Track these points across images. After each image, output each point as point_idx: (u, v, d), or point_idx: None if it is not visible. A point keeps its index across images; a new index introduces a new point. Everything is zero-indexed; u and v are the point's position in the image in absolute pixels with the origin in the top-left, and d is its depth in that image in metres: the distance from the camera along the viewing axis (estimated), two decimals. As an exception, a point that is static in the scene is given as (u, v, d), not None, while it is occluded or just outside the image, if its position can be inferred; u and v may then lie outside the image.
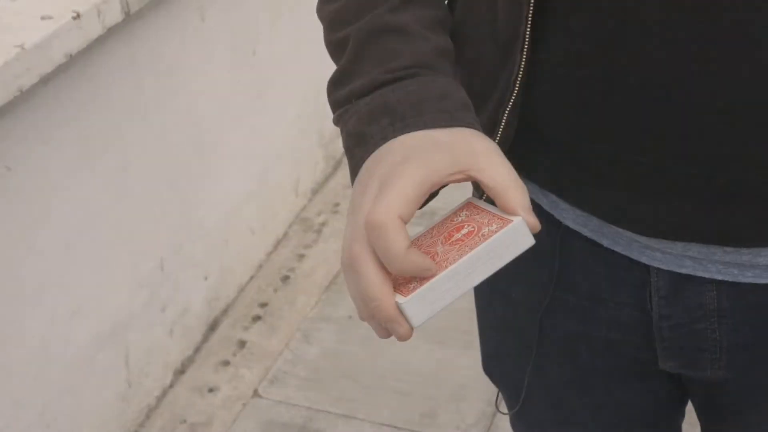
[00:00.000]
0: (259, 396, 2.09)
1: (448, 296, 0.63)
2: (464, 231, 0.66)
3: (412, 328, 0.64)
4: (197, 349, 2.19)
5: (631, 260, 0.82)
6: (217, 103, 2.15)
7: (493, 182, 0.66)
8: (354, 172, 0.72)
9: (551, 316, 0.89)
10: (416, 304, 0.63)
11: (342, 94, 0.75)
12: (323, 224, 2.55)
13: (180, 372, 2.14)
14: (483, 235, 0.64)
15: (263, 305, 2.32)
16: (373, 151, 0.70)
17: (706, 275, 0.79)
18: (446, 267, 0.62)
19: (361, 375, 2.12)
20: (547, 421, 0.97)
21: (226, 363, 2.17)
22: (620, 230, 0.80)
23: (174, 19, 1.93)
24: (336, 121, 0.77)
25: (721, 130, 0.69)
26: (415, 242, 0.68)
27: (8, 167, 1.57)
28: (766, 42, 0.65)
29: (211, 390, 2.11)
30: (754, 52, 0.66)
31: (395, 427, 2.00)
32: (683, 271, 0.79)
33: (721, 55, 0.67)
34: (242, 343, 2.22)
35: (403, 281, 0.65)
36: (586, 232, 0.83)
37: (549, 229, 0.85)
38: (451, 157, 0.66)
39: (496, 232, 0.63)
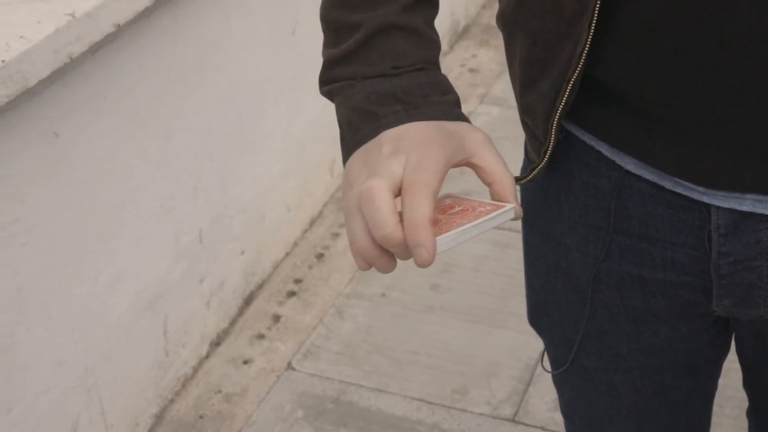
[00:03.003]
0: (293, 369, 2.13)
1: (452, 244, 0.75)
2: (457, 209, 0.78)
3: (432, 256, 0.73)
4: (233, 322, 2.23)
5: (691, 200, 0.85)
6: (257, 80, 2.18)
7: (492, 170, 0.77)
8: (358, 142, 0.78)
9: (607, 260, 0.92)
10: (441, 243, 0.74)
11: (346, 71, 0.82)
12: (358, 204, 2.58)
13: (216, 344, 2.17)
14: (480, 212, 0.76)
15: (298, 281, 2.35)
16: (386, 128, 0.77)
17: (766, 212, 0.82)
18: (458, 226, 0.74)
19: (393, 350, 2.15)
20: (593, 368, 1.00)
21: (261, 336, 2.21)
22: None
23: (217, -5, 1.97)
24: (330, 93, 0.83)
25: None
26: None
27: (56, 133, 1.61)
28: None
29: (245, 362, 2.15)
30: None
31: (427, 401, 2.03)
32: (744, 208, 0.83)
33: None
34: (277, 318, 2.25)
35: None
36: (647, 175, 0.86)
37: (609, 173, 0.88)
38: (460, 145, 0.77)
39: (492, 211, 0.76)
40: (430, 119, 0.78)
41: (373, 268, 0.76)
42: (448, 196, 0.80)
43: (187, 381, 2.08)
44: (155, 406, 1.99)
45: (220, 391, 2.08)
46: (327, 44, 0.85)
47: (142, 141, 1.83)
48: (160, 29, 1.81)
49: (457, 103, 0.81)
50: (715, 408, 1.70)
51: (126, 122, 1.77)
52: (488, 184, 0.77)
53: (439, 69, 0.83)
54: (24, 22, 1.50)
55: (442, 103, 0.80)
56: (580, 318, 0.97)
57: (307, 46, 2.36)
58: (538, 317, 1.04)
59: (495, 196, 0.77)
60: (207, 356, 2.14)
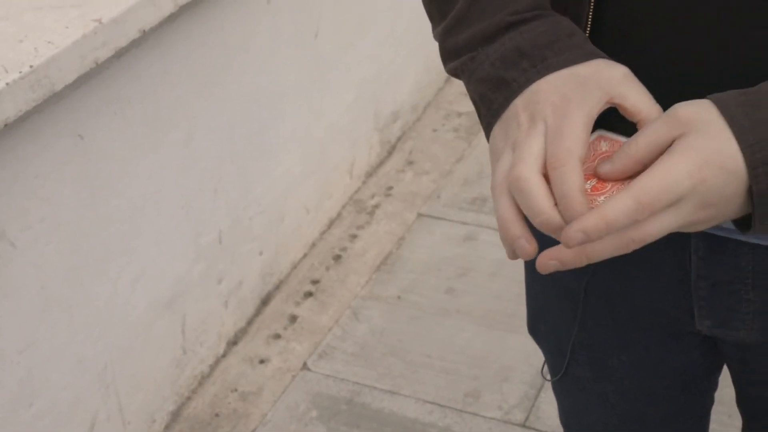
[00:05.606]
0: (308, 369, 2.16)
1: None
2: None
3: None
4: (250, 322, 2.26)
5: None
6: (278, 82, 2.21)
7: (635, 108, 0.72)
8: (495, 114, 0.76)
9: (596, 273, 0.94)
10: None
11: (461, 41, 0.79)
12: (376, 206, 2.61)
13: (233, 343, 2.21)
14: None
15: (315, 282, 2.38)
16: (518, 93, 0.74)
17: (743, 238, 0.83)
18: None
19: (408, 353, 2.18)
20: (587, 378, 1.03)
21: (278, 336, 2.24)
22: None
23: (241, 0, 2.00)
24: (456, 70, 0.80)
25: None
26: None
27: (81, 136, 1.64)
28: None
29: (262, 361, 2.18)
30: None
31: (439, 405, 2.06)
32: (721, 233, 0.84)
33: None
34: (293, 318, 2.28)
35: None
36: None
37: None
38: (598, 90, 0.72)
39: None
40: (560, 69, 0.74)
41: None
42: (601, 137, 0.75)
43: (204, 379, 2.12)
44: (172, 403, 2.03)
45: (236, 390, 2.11)
46: (436, 22, 0.83)
47: (164, 143, 1.86)
48: (185, 34, 1.84)
49: (587, 40, 0.77)
50: (724, 418, 1.71)
51: (148, 124, 1.81)
52: (636, 122, 0.73)
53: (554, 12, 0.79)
54: (52, 27, 1.53)
55: (570, 47, 0.75)
56: (572, 328, 0.99)
57: (329, 49, 2.39)
58: (535, 326, 1.07)
59: None
60: (224, 355, 2.18)
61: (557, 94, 0.72)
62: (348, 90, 2.52)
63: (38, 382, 1.67)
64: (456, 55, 0.80)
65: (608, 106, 0.73)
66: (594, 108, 0.72)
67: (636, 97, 0.72)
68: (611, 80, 0.73)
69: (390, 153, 2.80)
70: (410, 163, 2.77)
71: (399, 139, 2.83)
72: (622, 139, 0.74)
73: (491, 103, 0.76)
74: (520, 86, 0.75)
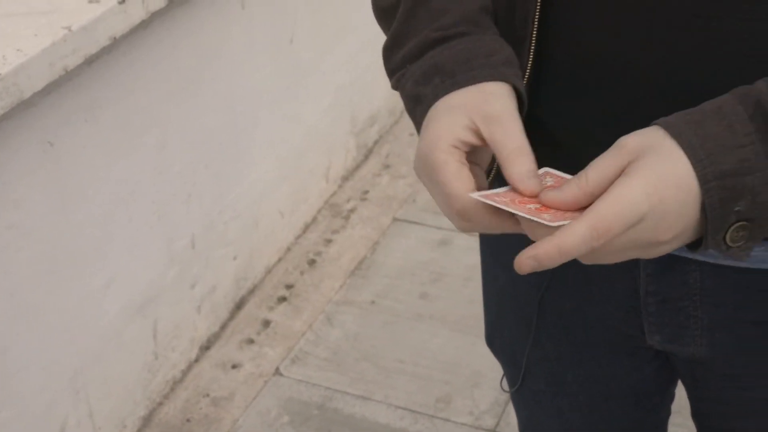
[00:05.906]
0: (281, 374, 2.16)
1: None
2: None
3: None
4: (223, 327, 2.26)
5: None
6: (254, 88, 2.21)
7: (497, 152, 0.73)
8: (418, 130, 0.78)
9: (549, 290, 0.96)
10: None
11: (396, 59, 0.82)
12: (352, 211, 2.61)
13: (205, 348, 2.21)
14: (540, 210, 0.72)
15: (289, 287, 2.39)
16: (428, 110, 0.76)
17: (690, 256, 0.84)
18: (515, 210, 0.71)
19: (381, 358, 2.18)
20: (542, 391, 1.04)
21: (251, 341, 2.24)
22: None
23: (215, 5, 2.00)
24: (394, 86, 0.83)
25: None
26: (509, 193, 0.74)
27: (51, 143, 1.64)
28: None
29: (234, 366, 2.18)
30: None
31: (410, 410, 2.06)
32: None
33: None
34: (267, 323, 2.29)
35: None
36: None
37: None
38: (466, 118, 0.74)
39: (553, 219, 0.71)
40: (465, 86, 0.75)
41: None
42: (547, 173, 0.75)
43: (176, 384, 2.12)
44: (143, 408, 2.03)
45: (208, 395, 2.11)
46: (385, 33, 0.85)
47: (136, 149, 1.86)
48: (156, 39, 1.84)
49: (505, 63, 0.77)
50: (691, 423, 1.73)
51: (121, 130, 1.81)
52: (498, 161, 0.73)
53: (486, 27, 0.80)
54: (21, 35, 1.53)
55: (483, 66, 0.76)
56: (527, 342, 1.01)
57: (305, 55, 2.39)
58: (492, 337, 1.08)
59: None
60: (197, 360, 2.18)
61: (431, 116, 0.75)
62: (324, 94, 2.52)
63: (8, 390, 1.67)
64: (394, 73, 0.83)
65: (479, 139, 0.73)
66: (461, 135, 0.73)
67: (500, 140, 0.72)
68: (483, 115, 0.73)
69: (367, 157, 2.80)
70: (387, 167, 2.78)
71: (376, 143, 2.84)
72: (566, 176, 0.73)
73: (414, 118, 0.79)
74: (428, 103, 0.77)
